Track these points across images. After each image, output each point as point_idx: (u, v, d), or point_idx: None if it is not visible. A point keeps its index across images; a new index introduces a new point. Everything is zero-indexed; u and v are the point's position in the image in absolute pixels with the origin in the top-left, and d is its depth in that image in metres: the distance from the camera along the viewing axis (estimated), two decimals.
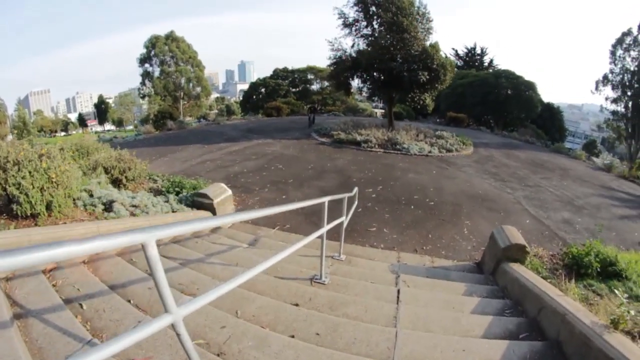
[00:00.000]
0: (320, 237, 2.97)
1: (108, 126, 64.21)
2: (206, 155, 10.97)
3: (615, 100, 22.77)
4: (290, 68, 41.26)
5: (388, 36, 13.61)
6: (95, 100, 71.57)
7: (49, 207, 3.53)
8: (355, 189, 5.75)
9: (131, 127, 52.88)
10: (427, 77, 13.51)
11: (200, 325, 2.12)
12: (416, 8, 13.78)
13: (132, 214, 4.47)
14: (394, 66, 13.74)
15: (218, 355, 1.92)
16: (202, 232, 4.69)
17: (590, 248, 3.75)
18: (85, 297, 2.31)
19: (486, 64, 35.88)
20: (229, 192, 5.92)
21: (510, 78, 26.38)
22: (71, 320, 1.98)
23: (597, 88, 23.47)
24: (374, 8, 14.10)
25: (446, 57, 15.37)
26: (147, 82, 34.06)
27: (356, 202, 6.16)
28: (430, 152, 12.70)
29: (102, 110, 63.03)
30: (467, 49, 36.71)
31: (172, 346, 1.82)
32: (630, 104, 22.00)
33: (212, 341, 2.01)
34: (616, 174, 12.97)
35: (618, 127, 23.54)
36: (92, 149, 6.89)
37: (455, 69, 16.38)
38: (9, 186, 3.29)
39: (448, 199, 7.62)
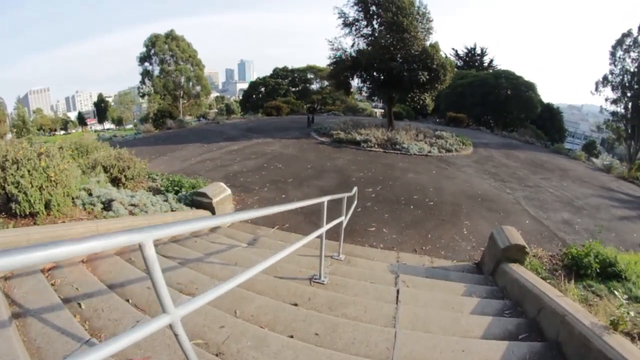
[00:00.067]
0: (320, 236, 2.96)
1: (107, 125, 64.13)
2: (206, 155, 10.96)
3: (615, 101, 22.79)
4: (290, 67, 41.25)
5: (388, 36, 13.60)
6: (95, 99, 71.55)
7: (47, 206, 3.53)
8: (355, 189, 5.75)
9: (131, 126, 52.79)
10: (427, 77, 13.50)
11: (199, 325, 2.11)
12: (416, 8, 13.76)
13: (131, 213, 4.46)
14: (394, 66, 13.73)
15: (217, 355, 1.91)
16: (201, 231, 4.69)
17: (589, 249, 3.75)
18: (84, 296, 2.30)
19: (486, 64, 35.90)
20: (228, 191, 5.92)
21: (510, 78, 26.40)
22: (70, 320, 1.97)
23: (597, 89, 23.50)
24: (374, 8, 14.10)
25: (446, 57, 15.36)
26: (146, 80, 34.08)
27: (355, 202, 6.15)
28: (429, 152, 12.70)
29: (101, 109, 62.99)
30: (467, 49, 36.74)
31: (171, 346, 1.82)
32: (630, 105, 22.01)
33: (211, 341, 2.01)
34: (616, 175, 12.98)
35: (618, 128, 23.57)
36: (91, 148, 6.87)
37: (455, 69, 16.39)
38: (8, 185, 3.28)
39: (447, 199, 7.62)
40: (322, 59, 18.39)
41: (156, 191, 5.80)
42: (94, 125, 67.69)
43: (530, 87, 26.07)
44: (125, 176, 5.75)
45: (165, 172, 7.66)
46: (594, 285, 3.37)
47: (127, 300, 2.36)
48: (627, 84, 21.90)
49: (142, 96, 36.86)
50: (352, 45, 15.35)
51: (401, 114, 25.64)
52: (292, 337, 2.16)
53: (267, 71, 43.83)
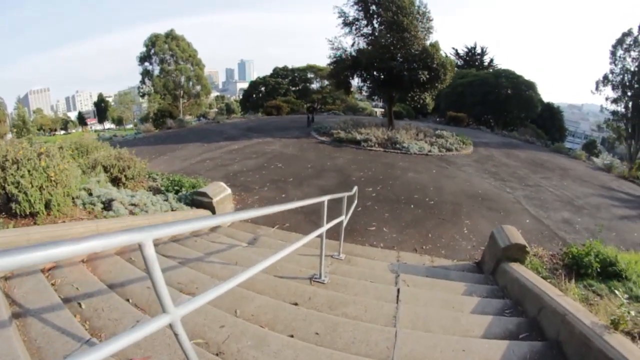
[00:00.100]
0: (320, 236, 2.96)
1: (108, 125, 64.11)
2: (206, 154, 10.96)
3: (615, 101, 22.78)
4: (290, 67, 41.23)
5: (388, 35, 13.59)
6: (95, 98, 71.48)
7: (47, 205, 3.52)
8: (355, 188, 5.75)
9: (131, 126, 52.80)
10: (427, 76, 13.49)
11: (199, 324, 2.11)
12: (416, 7, 13.76)
13: (132, 213, 4.46)
14: (394, 65, 13.72)
15: (217, 354, 1.91)
16: (201, 230, 4.69)
17: (590, 248, 3.75)
18: (84, 296, 2.30)
19: (486, 64, 35.85)
20: (229, 190, 5.92)
21: (510, 78, 26.38)
22: (70, 320, 1.97)
23: (597, 88, 23.49)
24: (374, 7, 14.09)
25: (446, 56, 15.35)
26: (147, 80, 34.03)
27: (356, 201, 6.15)
28: (430, 151, 12.69)
29: (101, 108, 62.95)
30: (467, 48, 36.70)
31: (171, 346, 1.82)
32: (630, 104, 22.01)
33: (211, 340, 2.01)
34: (616, 174, 12.97)
35: (618, 127, 23.55)
36: (91, 148, 6.87)
37: (455, 69, 16.37)
38: (8, 185, 3.27)
39: (448, 198, 7.62)
40: (322, 59, 18.42)
41: (156, 191, 5.80)
42: (94, 125, 67.67)
43: (530, 86, 26.05)
44: (125, 176, 5.75)
45: (165, 171, 7.66)
46: (595, 284, 3.36)
47: (127, 300, 2.36)
48: (627, 83, 21.89)
49: (142, 96, 36.82)
50: (352, 45, 15.37)
51: (401, 113, 25.63)
52: (292, 336, 2.16)
53: (267, 71, 43.85)
